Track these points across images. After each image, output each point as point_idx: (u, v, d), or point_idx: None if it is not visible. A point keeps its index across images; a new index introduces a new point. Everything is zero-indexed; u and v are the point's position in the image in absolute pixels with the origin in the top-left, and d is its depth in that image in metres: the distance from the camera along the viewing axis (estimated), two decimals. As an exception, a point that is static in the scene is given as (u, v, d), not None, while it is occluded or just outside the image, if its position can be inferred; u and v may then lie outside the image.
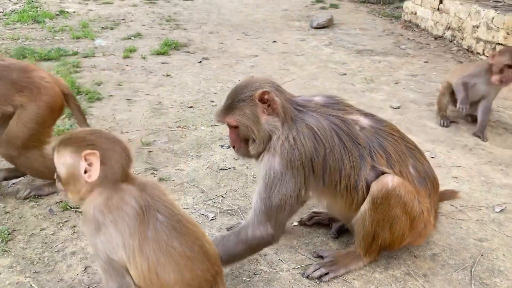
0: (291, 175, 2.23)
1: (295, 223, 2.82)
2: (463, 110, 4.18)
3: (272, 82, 2.36)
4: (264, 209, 2.25)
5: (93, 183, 1.72)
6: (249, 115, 2.27)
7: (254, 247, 2.32)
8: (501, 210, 3.04)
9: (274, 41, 7.63)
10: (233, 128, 2.33)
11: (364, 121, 2.36)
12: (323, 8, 10.83)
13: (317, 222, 2.83)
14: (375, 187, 2.23)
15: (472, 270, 2.48)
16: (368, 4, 11.45)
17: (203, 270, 1.80)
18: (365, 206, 2.29)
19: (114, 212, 1.70)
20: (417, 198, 2.31)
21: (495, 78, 4.04)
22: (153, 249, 1.70)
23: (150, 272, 1.70)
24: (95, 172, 1.69)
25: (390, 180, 2.22)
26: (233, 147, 2.42)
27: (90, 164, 1.69)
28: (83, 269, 2.38)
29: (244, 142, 2.35)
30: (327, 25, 8.78)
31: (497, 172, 3.55)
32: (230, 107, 2.31)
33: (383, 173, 2.26)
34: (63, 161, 1.74)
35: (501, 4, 6.69)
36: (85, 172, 1.70)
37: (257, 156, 2.36)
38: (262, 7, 10.97)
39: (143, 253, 1.69)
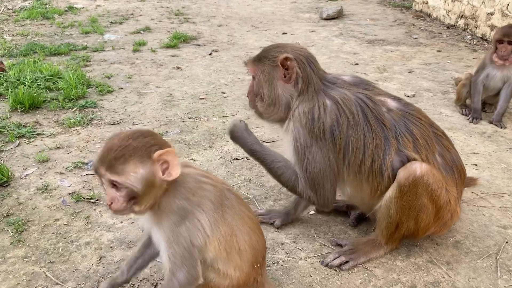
0: (317, 146, 2.21)
1: (312, 212, 2.76)
2: (473, 121, 4.08)
3: (305, 53, 2.32)
4: (303, 177, 2.30)
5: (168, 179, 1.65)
6: (267, 73, 2.29)
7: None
8: (524, 197, 2.96)
9: (284, 33, 7.56)
10: (253, 78, 2.38)
11: (392, 103, 2.30)
12: (332, -1, 10.71)
13: (335, 209, 2.75)
14: (402, 174, 2.15)
15: (498, 257, 2.40)
16: (378, -5, 11.31)
17: (262, 234, 1.94)
18: (390, 193, 2.21)
19: (198, 194, 1.71)
20: (445, 187, 2.23)
21: (494, 57, 3.95)
22: (231, 215, 1.78)
23: (232, 237, 1.76)
24: (175, 168, 1.63)
25: (419, 167, 2.13)
26: (247, 96, 2.47)
27: (164, 163, 1.62)
28: (98, 259, 2.34)
29: (255, 96, 2.39)
30: (337, 16, 8.68)
31: (518, 159, 3.46)
32: (258, 58, 2.34)
33: (408, 159, 2.18)
34: (136, 176, 1.58)
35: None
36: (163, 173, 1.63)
37: (278, 121, 2.41)
38: (270, 0, 10.88)
39: (225, 221, 1.75)
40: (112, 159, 1.56)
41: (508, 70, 3.98)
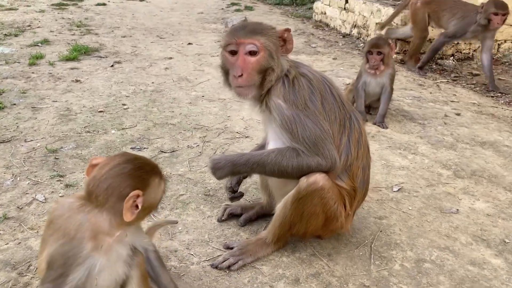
0: (304, 115, 2.22)
1: (206, 217, 2.86)
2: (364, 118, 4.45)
3: None
4: (303, 147, 2.23)
5: None
6: (274, 43, 2.26)
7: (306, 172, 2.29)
8: (398, 189, 3.29)
9: (189, 43, 7.64)
10: (250, 54, 2.24)
11: None
12: (238, 10, 11.00)
13: (230, 213, 2.86)
14: (305, 180, 2.26)
15: (372, 245, 2.66)
16: (282, 6, 11.80)
17: None
18: (290, 194, 2.33)
19: None
20: (341, 204, 2.37)
21: (366, 67, 4.38)
22: None
23: None
24: None
25: (321, 179, 2.24)
26: (241, 75, 2.24)
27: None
28: None
29: (259, 73, 2.26)
30: (241, 26, 8.92)
31: (396, 156, 3.83)
32: (253, 31, 2.23)
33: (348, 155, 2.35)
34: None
35: (398, 2, 7.19)
36: None
37: (258, 98, 2.35)
38: (177, 10, 10.92)
39: None
40: None
41: (381, 77, 4.40)
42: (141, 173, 1.72)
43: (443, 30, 6.12)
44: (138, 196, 1.66)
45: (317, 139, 2.23)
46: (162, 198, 1.87)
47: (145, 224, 2.49)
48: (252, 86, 2.28)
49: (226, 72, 2.37)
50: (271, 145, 2.37)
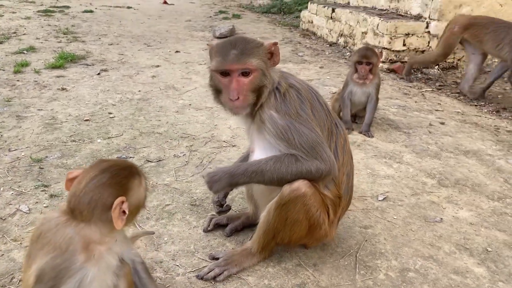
0: (298, 122, 2.24)
1: (192, 228, 2.85)
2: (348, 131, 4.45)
3: None
4: (302, 153, 2.23)
5: None
6: (264, 61, 2.27)
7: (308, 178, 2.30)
8: (383, 199, 3.32)
9: (177, 51, 7.65)
10: (244, 75, 2.23)
11: None
12: (225, 18, 11.05)
13: (216, 224, 2.86)
14: (288, 187, 2.27)
15: (357, 255, 2.68)
16: (269, 14, 11.88)
17: None
18: (273, 201, 2.33)
19: None
20: (324, 211, 2.38)
21: (355, 77, 4.44)
22: None
23: None
24: None
25: (304, 186, 2.26)
26: (237, 98, 2.23)
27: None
28: None
29: (253, 91, 2.26)
30: (229, 34, 8.97)
31: (382, 165, 3.86)
32: (244, 52, 2.21)
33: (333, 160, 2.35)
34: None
35: (384, 12, 7.30)
36: None
37: (250, 112, 2.33)
38: (165, 18, 10.93)
39: None
40: None
41: (367, 87, 4.45)
42: (120, 179, 1.72)
43: (499, 60, 5.92)
44: (122, 202, 1.67)
45: (314, 143, 2.24)
46: (146, 195, 1.87)
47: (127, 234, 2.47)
48: (248, 104, 2.30)
49: (217, 91, 2.35)
50: (258, 155, 2.38)
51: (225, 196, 2.72)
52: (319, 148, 2.25)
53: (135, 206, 1.78)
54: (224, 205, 2.70)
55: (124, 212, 1.68)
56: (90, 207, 1.65)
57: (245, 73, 2.23)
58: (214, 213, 2.91)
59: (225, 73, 2.25)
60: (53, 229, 1.67)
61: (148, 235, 2.72)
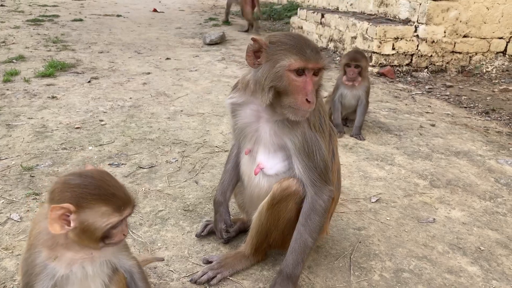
0: (320, 138, 2.23)
1: (186, 233, 2.84)
2: (337, 135, 4.47)
3: None
4: (317, 175, 2.21)
5: None
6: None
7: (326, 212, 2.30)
8: (376, 200, 3.33)
9: (167, 58, 7.65)
10: (316, 75, 2.10)
11: None
12: (216, 25, 11.08)
13: (212, 232, 2.83)
14: (278, 186, 2.26)
15: (351, 256, 2.68)
16: (259, 20, 11.93)
17: None
18: (264, 201, 2.32)
19: None
20: None
21: (344, 79, 4.46)
22: None
23: None
24: None
25: (294, 183, 2.25)
26: (310, 100, 2.07)
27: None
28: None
29: (317, 90, 2.17)
30: (219, 41, 8.99)
31: (374, 167, 3.88)
32: (318, 50, 2.11)
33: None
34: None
35: (373, 16, 7.37)
36: None
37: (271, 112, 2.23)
38: (155, 26, 10.94)
39: None
40: None
41: (357, 90, 4.48)
42: (83, 192, 1.56)
43: None
44: (70, 211, 1.52)
45: (326, 161, 2.25)
46: (106, 229, 1.60)
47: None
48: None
49: (278, 92, 2.11)
50: (261, 158, 2.33)
51: (232, 224, 2.69)
52: (328, 169, 2.25)
53: (85, 228, 1.57)
54: (232, 230, 2.72)
55: (68, 222, 1.54)
56: (51, 198, 1.60)
57: (316, 73, 2.09)
58: (208, 219, 2.91)
59: (301, 72, 2.06)
60: (40, 222, 1.67)
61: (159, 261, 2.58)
